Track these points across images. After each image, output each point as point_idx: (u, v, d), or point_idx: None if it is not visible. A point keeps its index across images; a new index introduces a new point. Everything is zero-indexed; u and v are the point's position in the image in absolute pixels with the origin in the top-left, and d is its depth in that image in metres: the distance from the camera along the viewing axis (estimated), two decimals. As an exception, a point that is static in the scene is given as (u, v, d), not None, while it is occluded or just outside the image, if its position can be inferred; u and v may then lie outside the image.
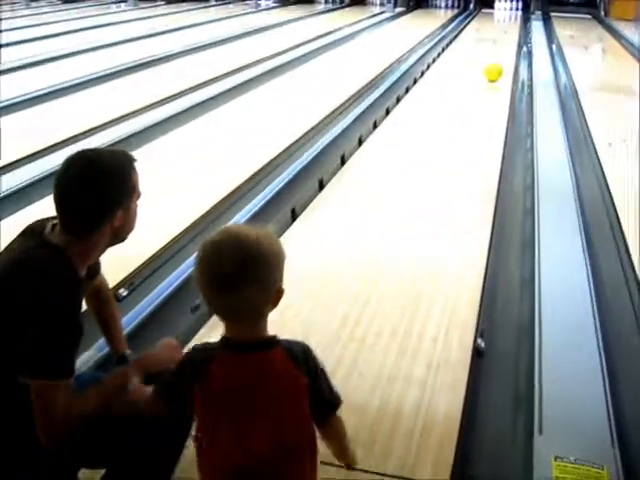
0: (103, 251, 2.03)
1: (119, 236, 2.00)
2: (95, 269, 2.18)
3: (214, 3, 18.92)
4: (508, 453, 2.57)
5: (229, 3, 18.94)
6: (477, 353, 3.10)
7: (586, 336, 3.24)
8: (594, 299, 3.58)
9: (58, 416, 1.82)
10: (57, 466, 2.01)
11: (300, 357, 1.69)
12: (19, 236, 2.00)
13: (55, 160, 4.96)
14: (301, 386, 1.68)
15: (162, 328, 3.09)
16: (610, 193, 5.14)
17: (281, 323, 2.84)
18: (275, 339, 1.69)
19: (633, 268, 3.93)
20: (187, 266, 3.57)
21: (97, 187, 1.87)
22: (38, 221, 2.01)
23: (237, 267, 1.55)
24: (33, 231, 1.97)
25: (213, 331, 3.10)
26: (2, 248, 2.02)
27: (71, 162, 1.90)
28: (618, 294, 3.76)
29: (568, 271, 3.92)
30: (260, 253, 1.57)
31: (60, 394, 1.82)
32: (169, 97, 7.67)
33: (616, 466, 2.40)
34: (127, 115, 6.82)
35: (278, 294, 1.63)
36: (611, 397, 2.80)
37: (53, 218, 1.97)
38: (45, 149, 5.61)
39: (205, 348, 1.73)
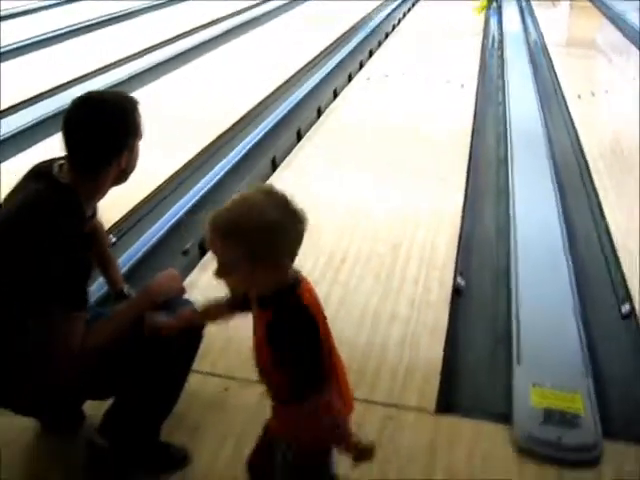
0: (107, 191, 2.10)
1: (123, 176, 2.06)
2: (94, 210, 2.25)
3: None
4: (489, 382, 2.73)
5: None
6: (457, 291, 3.25)
7: (559, 274, 3.41)
8: (566, 239, 3.77)
9: (76, 347, 1.88)
10: (62, 400, 2.10)
11: None
12: (26, 178, 2.05)
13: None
14: None
15: (153, 272, 3.13)
16: (580, 142, 5.31)
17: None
18: None
19: (601, 210, 4.13)
20: (175, 211, 3.64)
21: (106, 127, 1.94)
22: (43, 162, 2.06)
23: None
24: (40, 172, 2.02)
25: (204, 273, 3.22)
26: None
27: (79, 104, 1.96)
28: (588, 235, 3.96)
29: (541, 214, 4.08)
30: None
31: (77, 325, 1.89)
32: (145, 50, 7.66)
33: (589, 393, 2.57)
34: (104, 68, 6.81)
35: None
36: (584, 331, 2.97)
37: (58, 159, 2.03)
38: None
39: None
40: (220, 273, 1.62)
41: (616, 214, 4.10)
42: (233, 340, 2.74)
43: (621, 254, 3.64)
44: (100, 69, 6.75)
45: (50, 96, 5.80)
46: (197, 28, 9.08)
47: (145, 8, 10.43)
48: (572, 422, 2.40)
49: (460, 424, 2.45)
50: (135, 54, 7.51)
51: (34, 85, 6.11)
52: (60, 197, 1.95)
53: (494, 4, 11.85)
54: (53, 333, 1.89)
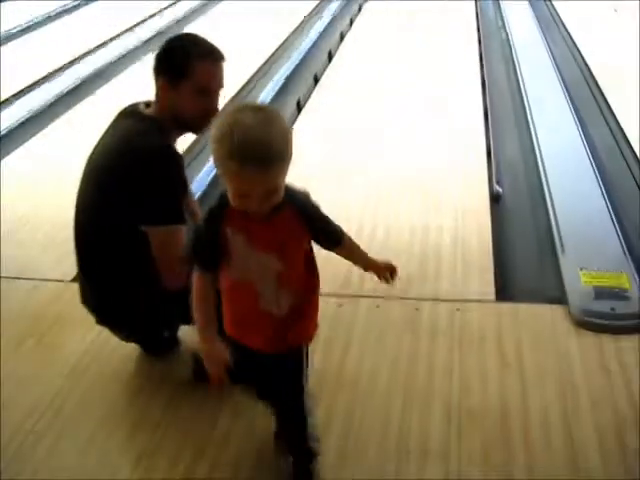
0: (174, 125, 2.21)
1: (180, 119, 2.18)
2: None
3: None
4: (539, 271, 3.02)
5: None
6: (496, 198, 3.52)
7: (587, 176, 3.72)
8: (587, 148, 4.05)
9: (177, 257, 2.05)
10: (167, 317, 2.33)
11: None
12: (116, 118, 2.28)
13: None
14: None
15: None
16: (586, 63, 5.54)
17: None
18: None
19: (616, 120, 4.44)
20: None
21: (160, 55, 2.18)
22: (131, 104, 2.29)
23: None
24: (128, 110, 2.27)
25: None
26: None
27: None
28: (606, 143, 4.25)
29: (560, 128, 4.37)
30: None
31: (177, 238, 2.12)
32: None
33: (631, 271, 2.85)
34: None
35: None
36: (617, 221, 3.25)
37: (143, 101, 2.27)
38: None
39: None
40: (274, 199, 1.62)
41: (629, 120, 4.37)
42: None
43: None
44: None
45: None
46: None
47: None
48: (622, 295, 2.68)
49: (520, 308, 2.73)
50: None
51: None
52: (144, 125, 2.17)
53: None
54: (156, 246, 2.13)
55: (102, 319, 2.36)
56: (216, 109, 2.21)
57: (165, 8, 8.16)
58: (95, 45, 6.74)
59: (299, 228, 1.71)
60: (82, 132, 4.48)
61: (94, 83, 5.77)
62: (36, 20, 7.91)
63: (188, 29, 7.05)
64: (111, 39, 6.99)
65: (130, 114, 2.25)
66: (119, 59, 6.44)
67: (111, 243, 2.21)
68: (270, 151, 1.54)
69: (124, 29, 7.33)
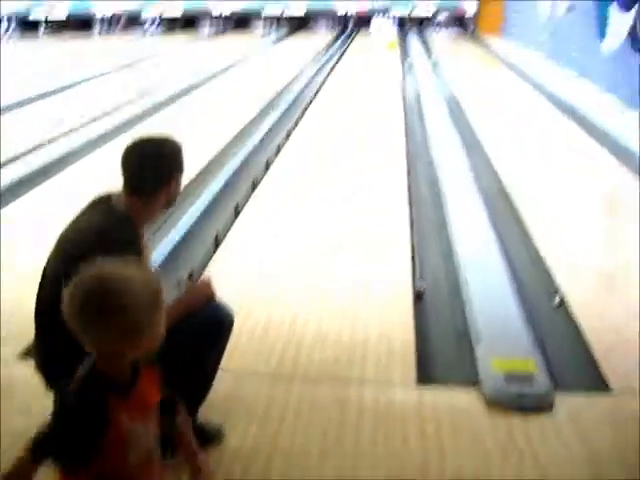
0: (158, 216, 2.54)
1: (168, 204, 2.50)
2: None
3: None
4: (458, 358, 3.33)
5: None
6: (418, 295, 3.86)
7: (500, 276, 4.11)
8: (500, 251, 4.48)
9: None
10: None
11: None
12: (88, 207, 2.45)
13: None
14: None
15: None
16: (500, 179, 6.09)
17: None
18: None
19: (524, 227, 4.95)
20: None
21: (159, 160, 2.44)
22: (103, 195, 2.46)
23: None
24: (100, 202, 2.45)
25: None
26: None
27: (135, 145, 2.45)
28: (517, 249, 4.67)
29: (478, 236, 4.79)
30: None
31: None
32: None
33: (538, 358, 3.19)
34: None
35: None
36: (527, 317, 3.61)
37: (115, 192, 2.48)
38: None
39: None
40: None
41: (537, 226, 4.86)
42: (238, 343, 3.19)
43: (548, 261, 4.33)
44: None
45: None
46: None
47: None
48: (528, 379, 3.00)
49: (439, 391, 3.03)
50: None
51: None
52: (119, 223, 2.36)
53: (407, 62, 12.78)
54: None
55: (50, 384, 2.48)
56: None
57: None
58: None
59: (154, 368, 1.71)
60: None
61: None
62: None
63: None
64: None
65: (104, 206, 2.41)
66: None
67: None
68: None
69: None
